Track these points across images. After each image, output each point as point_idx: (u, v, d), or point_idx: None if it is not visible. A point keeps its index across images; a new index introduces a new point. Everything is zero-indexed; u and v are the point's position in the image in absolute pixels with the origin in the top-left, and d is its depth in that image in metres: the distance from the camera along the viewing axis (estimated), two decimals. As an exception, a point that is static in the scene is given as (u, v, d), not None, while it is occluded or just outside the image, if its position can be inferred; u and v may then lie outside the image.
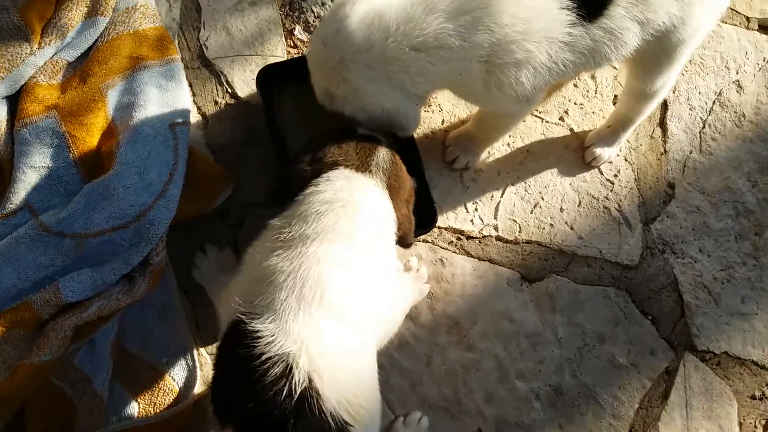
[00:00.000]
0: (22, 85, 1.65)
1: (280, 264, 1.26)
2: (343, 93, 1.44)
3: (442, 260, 1.91)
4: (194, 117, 1.85)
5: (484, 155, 1.94)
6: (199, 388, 1.73)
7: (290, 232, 1.30)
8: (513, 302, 1.92)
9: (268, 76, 1.73)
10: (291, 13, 1.96)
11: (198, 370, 1.68)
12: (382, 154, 1.43)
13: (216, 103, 1.89)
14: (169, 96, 1.71)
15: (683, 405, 1.93)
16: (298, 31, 1.95)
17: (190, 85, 1.84)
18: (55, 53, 1.68)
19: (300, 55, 1.92)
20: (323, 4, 1.99)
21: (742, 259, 1.98)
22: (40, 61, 1.66)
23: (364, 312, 1.31)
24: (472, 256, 1.93)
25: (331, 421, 1.17)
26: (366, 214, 1.34)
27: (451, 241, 1.93)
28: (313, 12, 1.97)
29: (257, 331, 1.20)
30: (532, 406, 1.88)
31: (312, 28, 1.96)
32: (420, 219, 1.57)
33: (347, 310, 1.27)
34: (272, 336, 1.20)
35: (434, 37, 1.36)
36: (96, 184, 1.56)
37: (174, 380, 1.64)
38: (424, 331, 1.87)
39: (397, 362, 1.84)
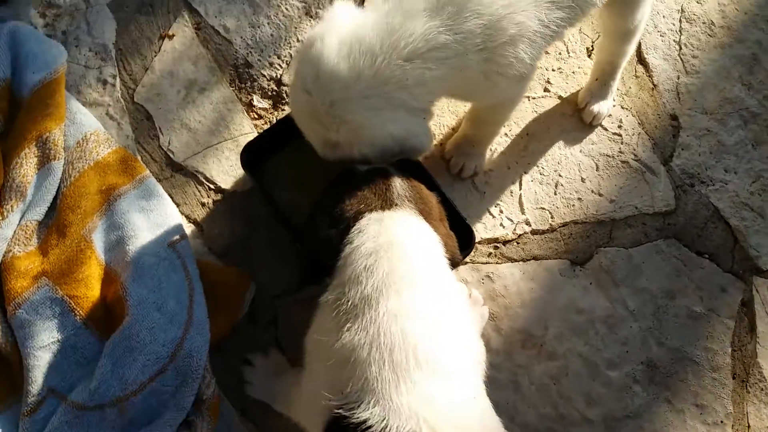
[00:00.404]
0: (-1, 265, 1.50)
1: (355, 338, 1.14)
2: (345, 136, 1.32)
3: (489, 276, 1.80)
4: (187, 228, 1.70)
5: (487, 154, 1.83)
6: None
7: (349, 301, 1.18)
8: (574, 291, 1.81)
9: (251, 155, 1.61)
10: (243, 85, 1.84)
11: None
12: (398, 183, 1.32)
13: (203, 205, 1.75)
14: (155, 216, 1.57)
15: (774, 330, 1.83)
16: (257, 100, 1.83)
17: (171, 196, 1.70)
18: (22, 217, 1.52)
19: (267, 123, 1.79)
20: (271, 65, 1.87)
21: (766, 164, 1.92)
22: (9, 231, 1.51)
23: (461, 354, 1.20)
24: (515, 261, 1.82)
25: None
26: (414, 247, 1.23)
27: (490, 253, 1.82)
28: (264, 76, 1.85)
29: (364, 421, 1.08)
30: (633, 391, 1.77)
31: (269, 92, 1.83)
32: (457, 240, 1.45)
33: (446, 361, 1.16)
34: (383, 420, 1.08)
35: (424, 40, 1.27)
36: (116, 338, 1.42)
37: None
38: (500, 357, 1.75)
39: (485, 399, 1.71)
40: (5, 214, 1.51)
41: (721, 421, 1.79)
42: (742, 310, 1.86)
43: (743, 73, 1.97)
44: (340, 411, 1.11)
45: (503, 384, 1.73)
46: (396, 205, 1.28)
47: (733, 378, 1.83)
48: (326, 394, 1.14)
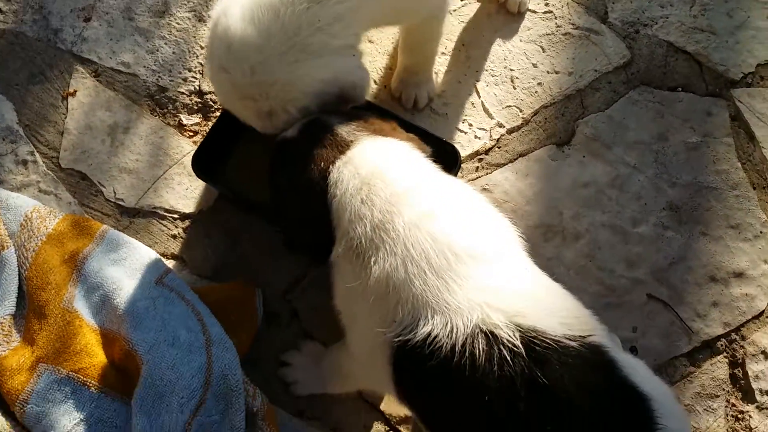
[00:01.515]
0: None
1: (386, 265, 1.07)
2: (275, 99, 1.26)
3: (485, 189, 1.72)
4: (168, 264, 1.58)
5: (434, 78, 1.76)
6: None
7: (361, 238, 1.11)
8: (572, 170, 1.74)
9: (201, 163, 1.51)
10: (165, 110, 1.74)
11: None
12: (338, 124, 1.24)
13: (174, 237, 1.63)
14: (130, 262, 1.46)
15: (768, 134, 1.81)
16: (185, 118, 1.73)
17: (139, 241, 1.58)
18: (-7, 317, 1.39)
19: (203, 134, 1.69)
20: (185, 80, 1.78)
21: (695, -16, 1.89)
22: (-15, 334, 1.37)
23: (494, 235, 1.15)
24: (504, 164, 1.75)
25: (571, 343, 0.99)
26: (397, 161, 1.18)
27: (476, 168, 1.74)
28: (183, 93, 1.76)
29: (429, 333, 1.00)
30: (667, 237, 1.71)
31: (195, 106, 1.74)
32: (444, 163, 1.37)
33: (483, 246, 1.09)
34: (447, 324, 1.00)
35: None
36: (141, 392, 1.29)
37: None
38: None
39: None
40: (-27, 318, 1.37)
41: (761, 232, 1.74)
42: (734, 125, 1.83)
43: None
44: (400, 338, 1.02)
45: (544, 282, 1.64)
46: (352, 141, 1.21)
47: (754, 188, 1.78)
48: (380, 330, 1.05)
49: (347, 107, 1.36)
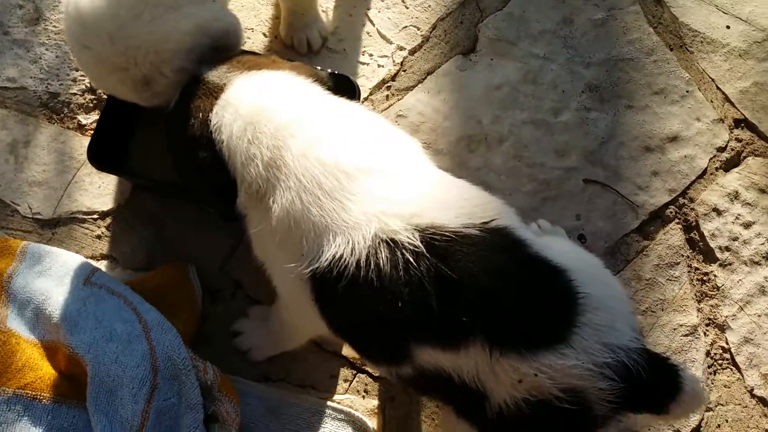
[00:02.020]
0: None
1: (283, 201, 1.04)
2: (146, 62, 1.22)
3: (400, 115, 1.68)
4: (100, 265, 1.56)
5: (322, 15, 1.71)
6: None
7: (257, 179, 1.08)
8: (482, 76, 1.71)
9: (97, 153, 1.47)
10: (61, 115, 1.69)
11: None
12: (208, 71, 1.20)
13: (99, 237, 1.60)
14: (56, 270, 1.42)
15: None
16: (83, 117, 1.68)
17: (65, 249, 1.54)
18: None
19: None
20: (75, 80, 1.72)
21: None
22: None
23: (385, 145, 1.11)
24: (413, 87, 1.71)
25: (471, 231, 0.97)
26: (274, 94, 1.14)
27: (387, 96, 1.70)
28: (75, 94, 1.70)
29: (334, 255, 0.98)
30: (591, 118, 1.68)
31: (90, 104, 1.69)
32: (344, 95, 1.33)
33: (372, 157, 1.07)
34: (348, 242, 0.98)
35: None
36: (92, 391, 1.27)
37: None
38: (456, 173, 1.59)
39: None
40: None
41: (687, 91, 1.71)
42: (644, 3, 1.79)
43: None
44: (311, 268, 1.00)
45: (477, 191, 1.61)
46: (224, 84, 1.16)
47: (671, 49, 1.76)
48: (292, 265, 1.03)
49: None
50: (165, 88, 1.25)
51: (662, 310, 1.57)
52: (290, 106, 1.11)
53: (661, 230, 1.64)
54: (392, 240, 0.97)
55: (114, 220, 1.60)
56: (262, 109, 1.10)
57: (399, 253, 0.96)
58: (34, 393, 1.32)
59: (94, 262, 1.54)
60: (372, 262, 0.96)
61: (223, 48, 1.28)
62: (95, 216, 1.61)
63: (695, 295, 1.61)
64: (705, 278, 1.63)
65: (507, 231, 1.00)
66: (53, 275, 1.43)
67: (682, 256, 1.63)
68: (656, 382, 0.97)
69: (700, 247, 1.63)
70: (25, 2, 1.77)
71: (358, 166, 1.03)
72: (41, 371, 1.34)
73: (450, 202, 1.01)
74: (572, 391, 0.93)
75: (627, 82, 1.72)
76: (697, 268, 1.63)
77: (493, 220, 0.99)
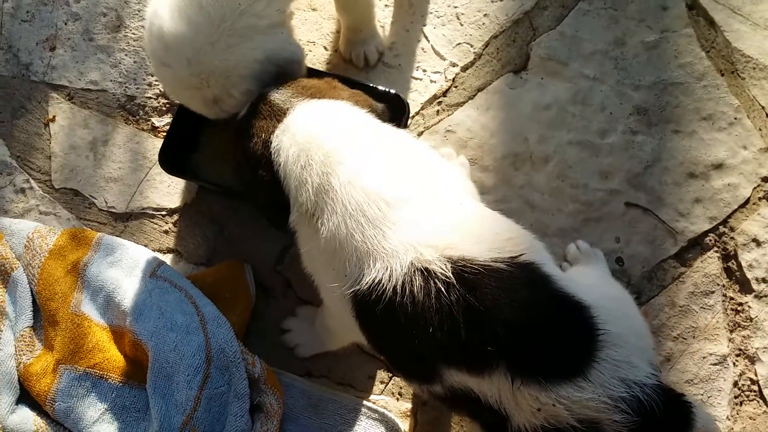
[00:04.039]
0: (18, 380, 1.50)
1: (330, 225, 1.13)
2: (217, 86, 1.34)
3: (449, 130, 1.76)
4: (166, 258, 1.70)
5: (380, 31, 1.79)
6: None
7: (308, 202, 1.17)
8: (531, 94, 1.76)
9: (168, 157, 1.61)
10: (137, 117, 1.83)
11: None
12: (274, 93, 1.30)
13: (167, 232, 1.74)
14: (126, 262, 1.57)
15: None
16: (157, 120, 1.82)
17: (135, 242, 1.69)
18: (15, 331, 1.53)
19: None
20: (150, 85, 1.86)
21: None
22: (10, 348, 1.53)
23: (427, 174, 1.19)
24: (464, 103, 1.78)
25: (500, 265, 1.04)
26: (329, 122, 1.22)
27: (437, 111, 1.78)
28: (150, 98, 1.84)
29: (374, 279, 1.07)
30: (637, 142, 1.71)
31: (163, 108, 1.82)
32: (393, 114, 1.42)
33: (412, 187, 1.14)
34: (387, 269, 1.06)
35: None
36: (152, 376, 1.41)
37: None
38: (501, 189, 1.71)
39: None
40: (-1, 334, 1.53)
41: (735, 118, 1.73)
42: (692, 14, 1.81)
43: None
44: (353, 289, 1.10)
45: (519, 210, 1.68)
46: (288, 109, 1.26)
47: (722, 75, 1.77)
48: (336, 285, 1.13)
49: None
50: (232, 106, 1.38)
51: (693, 337, 1.60)
52: (341, 135, 1.20)
53: (699, 258, 1.66)
54: (426, 269, 1.05)
55: (180, 217, 1.74)
56: (315, 137, 1.19)
57: (432, 282, 1.03)
58: (101, 372, 1.47)
59: (160, 255, 1.69)
60: (407, 289, 1.04)
61: (287, 75, 1.38)
62: (164, 212, 1.75)
63: (728, 324, 1.63)
64: (739, 308, 1.64)
65: (534, 266, 1.07)
66: (124, 266, 1.58)
67: (718, 285, 1.65)
68: (669, 417, 1.03)
69: (736, 276, 1.65)
70: (109, 10, 1.92)
71: (400, 196, 1.12)
72: (109, 353, 1.49)
73: (482, 235, 1.08)
74: (588, 422, 1.00)
75: (675, 106, 1.74)
76: (732, 298, 1.65)
77: (521, 255, 1.06)
